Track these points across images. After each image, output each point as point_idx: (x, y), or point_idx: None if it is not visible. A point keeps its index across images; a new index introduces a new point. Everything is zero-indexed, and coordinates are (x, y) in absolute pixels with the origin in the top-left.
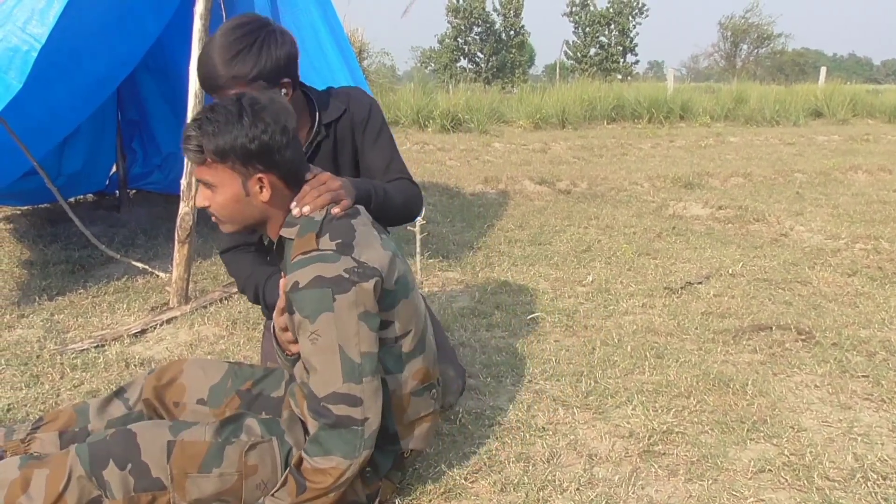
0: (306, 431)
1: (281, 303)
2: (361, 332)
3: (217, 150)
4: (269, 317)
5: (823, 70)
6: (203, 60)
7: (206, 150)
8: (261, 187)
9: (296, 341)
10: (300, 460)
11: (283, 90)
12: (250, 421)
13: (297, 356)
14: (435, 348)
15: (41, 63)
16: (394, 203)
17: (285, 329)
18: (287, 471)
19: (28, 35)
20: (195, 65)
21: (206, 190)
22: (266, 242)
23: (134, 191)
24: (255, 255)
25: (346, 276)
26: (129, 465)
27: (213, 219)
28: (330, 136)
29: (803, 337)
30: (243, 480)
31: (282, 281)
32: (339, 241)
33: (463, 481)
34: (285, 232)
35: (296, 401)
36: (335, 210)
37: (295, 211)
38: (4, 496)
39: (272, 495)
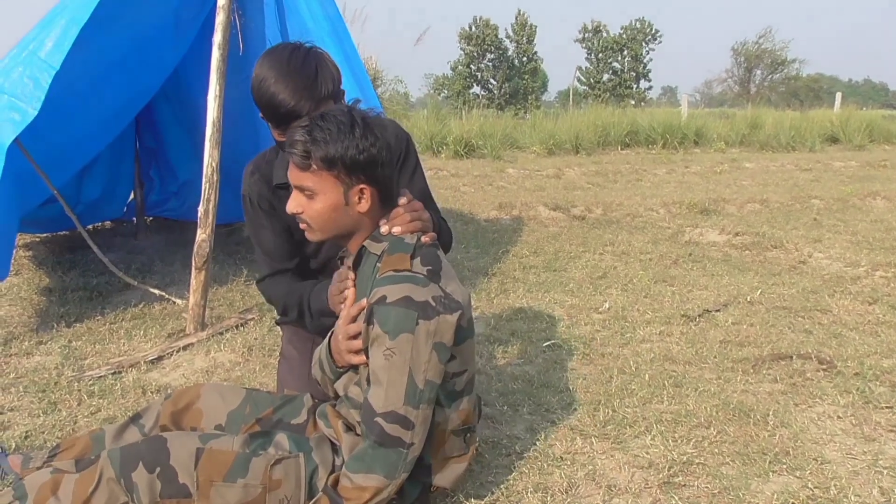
0: (335, 451)
1: (354, 311)
2: (432, 361)
3: (326, 158)
4: (313, 329)
5: (839, 95)
6: (279, 95)
7: (313, 157)
8: (360, 198)
9: (360, 351)
10: (336, 480)
11: None
12: (280, 436)
13: (346, 369)
14: (478, 394)
15: (62, 92)
16: (443, 242)
17: (354, 337)
18: (319, 495)
19: (44, 62)
20: (213, 93)
21: (301, 196)
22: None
23: (151, 218)
24: (290, 277)
25: (434, 304)
26: (158, 469)
27: (303, 225)
28: None
29: (824, 366)
30: (266, 494)
31: (350, 292)
32: (430, 267)
33: None
34: (370, 245)
35: (326, 422)
36: (425, 239)
37: (384, 229)
38: (34, 498)
39: None
